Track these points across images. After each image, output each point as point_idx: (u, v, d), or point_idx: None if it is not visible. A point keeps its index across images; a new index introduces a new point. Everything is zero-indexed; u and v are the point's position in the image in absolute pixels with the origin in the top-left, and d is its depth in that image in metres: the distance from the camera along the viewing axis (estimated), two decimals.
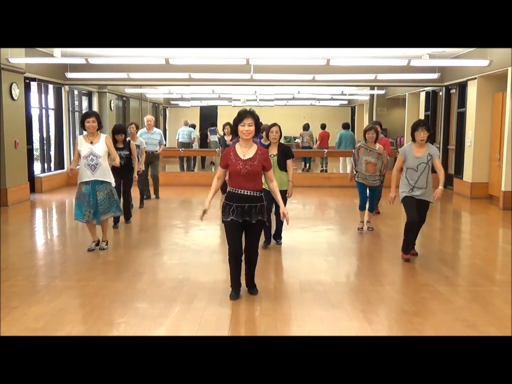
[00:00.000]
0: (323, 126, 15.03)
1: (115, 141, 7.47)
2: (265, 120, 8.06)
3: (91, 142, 5.93)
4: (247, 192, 4.37)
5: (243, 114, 4.34)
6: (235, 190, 4.40)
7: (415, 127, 5.73)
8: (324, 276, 5.33)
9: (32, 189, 10.75)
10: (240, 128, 4.35)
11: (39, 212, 9.46)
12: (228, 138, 10.38)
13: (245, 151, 4.39)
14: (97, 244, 6.26)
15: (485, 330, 3.93)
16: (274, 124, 6.14)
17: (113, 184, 6.14)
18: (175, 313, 4.25)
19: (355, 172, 7.28)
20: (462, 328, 3.95)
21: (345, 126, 13.61)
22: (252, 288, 4.71)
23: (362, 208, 7.43)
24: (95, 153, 5.91)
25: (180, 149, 13.68)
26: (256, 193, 4.40)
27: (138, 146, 8.36)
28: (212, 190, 4.53)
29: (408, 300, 4.62)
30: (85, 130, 6.02)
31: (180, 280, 5.13)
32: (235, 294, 4.59)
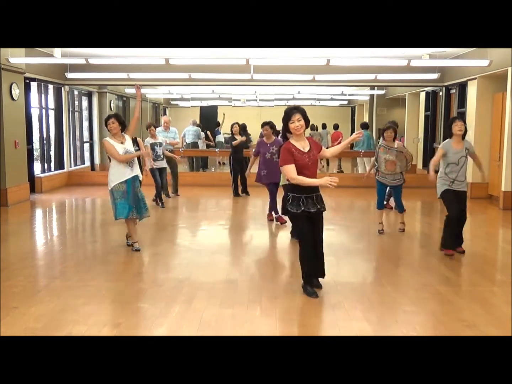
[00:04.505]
0: (335, 126, 14.97)
1: None
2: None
3: (121, 142, 6.01)
4: None
5: (290, 112, 4.43)
6: None
7: (452, 121, 6.03)
8: (324, 276, 5.33)
9: (32, 189, 10.74)
10: (291, 125, 4.42)
11: (39, 212, 9.46)
12: (238, 137, 10.58)
13: (302, 144, 4.50)
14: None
15: (485, 330, 3.93)
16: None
17: (141, 178, 6.25)
18: (175, 313, 4.25)
19: (376, 171, 7.31)
20: (462, 328, 3.95)
21: (364, 126, 12.74)
22: (322, 277, 4.78)
23: (380, 206, 7.34)
24: (129, 150, 6.01)
25: (180, 149, 13.60)
26: None
27: (160, 144, 9.40)
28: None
29: (408, 300, 4.62)
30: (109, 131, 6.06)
31: (180, 280, 5.13)
32: (315, 292, 4.61)
